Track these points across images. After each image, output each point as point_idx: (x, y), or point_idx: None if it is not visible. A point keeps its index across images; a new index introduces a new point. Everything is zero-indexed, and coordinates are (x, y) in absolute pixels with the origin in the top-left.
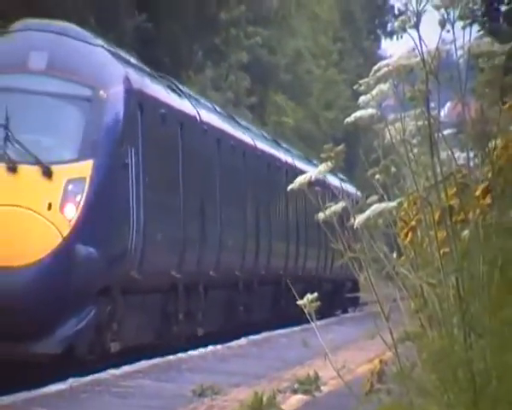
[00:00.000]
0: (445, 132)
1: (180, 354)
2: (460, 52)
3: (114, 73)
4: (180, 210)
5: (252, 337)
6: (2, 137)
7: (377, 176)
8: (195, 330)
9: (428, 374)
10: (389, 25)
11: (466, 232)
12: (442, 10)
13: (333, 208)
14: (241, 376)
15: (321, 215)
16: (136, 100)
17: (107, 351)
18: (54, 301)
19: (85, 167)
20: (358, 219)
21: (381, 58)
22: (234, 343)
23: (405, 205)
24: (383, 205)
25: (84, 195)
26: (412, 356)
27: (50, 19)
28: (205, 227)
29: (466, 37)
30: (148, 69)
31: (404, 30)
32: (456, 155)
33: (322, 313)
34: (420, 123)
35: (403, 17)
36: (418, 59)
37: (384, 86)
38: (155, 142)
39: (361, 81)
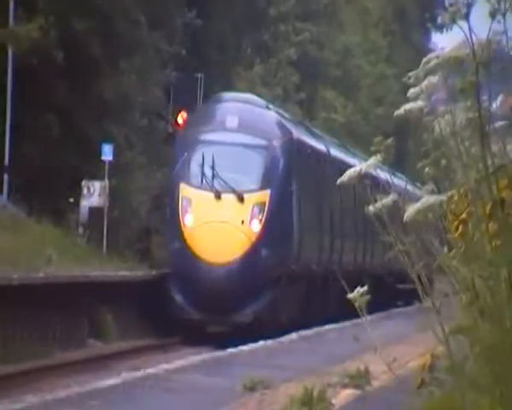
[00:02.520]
0: (497, 124)
1: (231, 350)
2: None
3: (281, 128)
4: (318, 223)
5: (303, 332)
6: (210, 175)
7: (427, 169)
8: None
9: (481, 368)
10: (439, 18)
11: None
12: (493, 1)
13: (382, 201)
14: (291, 370)
15: (370, 208)
16: (295, 146)
17: (279, 322)
18: (246, 286)
19: (265, 195)
20: (408, 212)
21: (432, 52)
22: (284, 338)
23: (456, 198)
24: (434, 198)
25: (265, 214)
26: (464, 351)
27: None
28: (332, 236)
29: None
30: (300, 120)
31: (454, 21)
32: (509, 147)
33: (375, 308)
34: (470, 115)
35: (453, 8)
36: (468, 50)
37: (434, 78)
38: (305, 174)
39: (410, 73)
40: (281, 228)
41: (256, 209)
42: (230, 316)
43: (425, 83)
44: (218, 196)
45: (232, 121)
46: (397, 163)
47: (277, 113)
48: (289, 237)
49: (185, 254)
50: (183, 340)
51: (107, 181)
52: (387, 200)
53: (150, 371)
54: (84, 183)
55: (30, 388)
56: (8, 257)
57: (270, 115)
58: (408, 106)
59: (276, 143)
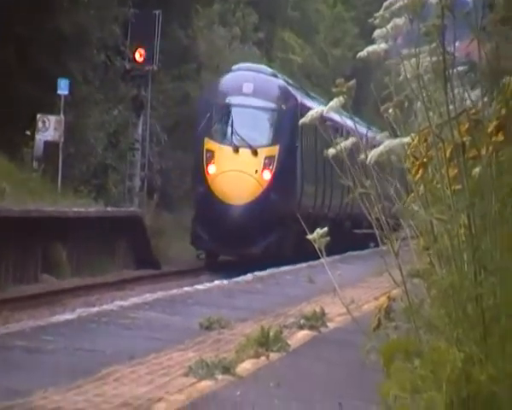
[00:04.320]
0: (460, 69)
1: (186, 288)
2: None
3: (288, 94)
4: (314, 174)
5: (257, 273)
6: (230, 132)
7: (390, 110)
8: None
9: (437, 310)
10: None
11: (478, 169)
12: None
13: (343, 144)
14: (247, 311)
15: (331, 151)
16: (299, 109)
17: (283, 255)
18: (257, 224)
19: (274, 149)
20: (371, 155)
21: None
22: (240, 279)
23: (416, 141)
24: (396, 141)
25: (274, 165)
26: (420, 294)
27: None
28: (324, 186)
29: None
30: (305, 89)
31: None
32: (471, 92)
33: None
34: (434, 59)
35: None
36: None
37: (399, 20)
38: (306, 132)
39: (376, 14)
40: (287, 177)
41: (267, 161)
42: (243, 248)
43: (390, 25)
44: (235, 150)
45: (248, 87)
46: (354, 106)
47: (285, 81)
48: (293, 185)
49: (208, 197)
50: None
51: (62, 116)
52: (348, 142)
53: (105, 307)
54: (39, 117)
55: None
56: None
57: (278, 83)
58: (371, 48)
59: (284, 106)
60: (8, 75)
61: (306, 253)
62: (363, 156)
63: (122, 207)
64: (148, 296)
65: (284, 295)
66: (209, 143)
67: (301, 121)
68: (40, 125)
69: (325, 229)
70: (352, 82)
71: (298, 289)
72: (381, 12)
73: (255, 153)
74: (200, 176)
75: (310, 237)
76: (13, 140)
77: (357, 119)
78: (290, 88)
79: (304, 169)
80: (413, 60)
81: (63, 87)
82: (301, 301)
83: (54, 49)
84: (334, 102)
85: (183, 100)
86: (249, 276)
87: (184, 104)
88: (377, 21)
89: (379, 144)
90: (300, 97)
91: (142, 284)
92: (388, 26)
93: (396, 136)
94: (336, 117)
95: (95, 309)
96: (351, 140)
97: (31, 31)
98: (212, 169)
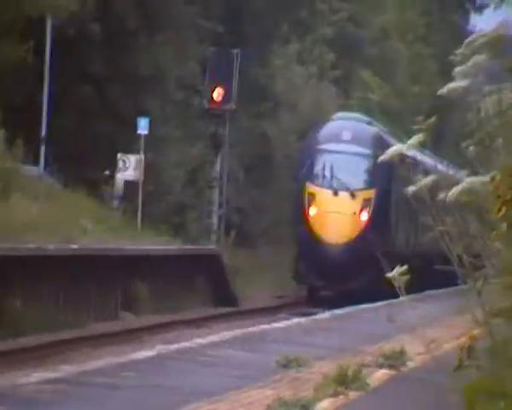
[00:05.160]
0: None
1: (263, 326)
2: None
3: (382, 140)
4: (406, 215)
5: (336, 312)
6: (330, 176)
7: (471, 148)
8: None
9: None
10: None
11: None
12: None
13: (423, 181)
14: (325, 349)
15: (411, 188)
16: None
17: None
18: (355, 261)
19: (371, 192)
20: (451, 192)
21: (470, 33)
22: (318, 317)
23: (499, 179)
24: (477, 179)
25: (371, 207)
26: (504, 334)
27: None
28: (415, 226)
29: None
30: (394, 132)
31: (502, 0)
32: None
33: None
34: None
35: None
36: None
37: (480, 57)
38: (399, 177)
39: (457, 51)
40: (383, 218)
41: (364, 203)
42: (343, 284)
43: (471, 62)
44: (335, 193)
45: (347, 135)
46: (434, 144)
47: (378, 128)
48: (388, 225)
49: (310, 236)
50: (232, 313)
51: (142, 155)
52: (427, 180)
53: (184, 344)
54: (119, 156)
55: (64, 357)
56: (44, 227)
57: (374, 131)
58: (453, 85)
59: (379, 152)
60: (88, 115)
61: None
62: (443, 194)
63: (200, 245)
64: (226, 334)
65: (363, 334)
66: (310, 187)
67: (380, 159)
68: (121, 164)
69: (404, 267)
70: (433, 119)
71: (377, 327)
72: (461, 49)
73: (353, 196)
74: (301, 217)
75: (389, 275)
76: (94, 179)
77: (437, 157)
78: (383, 134)
79: (398, 210)
80: (494, 96)
81: (143, 126)
82: (380, 339)
83: (132, 89)
84: (414, 140)
85: (261, 138)
86: (327, 314)
87: (262, 142)
88: (458, 58)
89: (459, 182)
90: (393, 143)
91: (220, 322)
92: (469, 64)
93: (476, 174)
94: (417, 155)
95: (174, 346)
96: (431, 178)
97: (109, 71)
98: (313, 211)
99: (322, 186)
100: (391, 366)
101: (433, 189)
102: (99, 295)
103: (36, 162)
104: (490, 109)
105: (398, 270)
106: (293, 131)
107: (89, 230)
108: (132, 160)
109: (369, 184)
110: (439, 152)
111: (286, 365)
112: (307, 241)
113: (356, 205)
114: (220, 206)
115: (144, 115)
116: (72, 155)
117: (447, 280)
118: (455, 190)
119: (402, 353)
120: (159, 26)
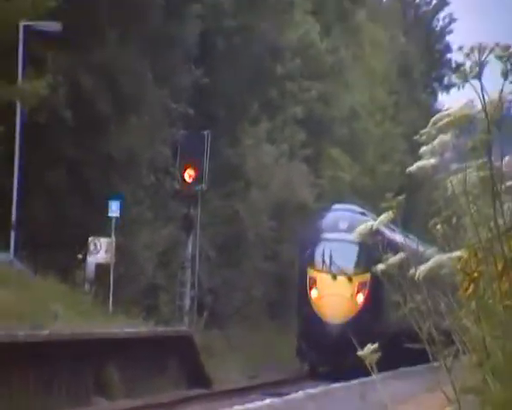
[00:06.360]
0: (508, 184)
1: (237, 407)
2: None
3: (376, 229)
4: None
5: (309, 391)
6: (329, 262)
7: (438, 226)
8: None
9: None
10: (446, 78)
11: None
12: (505, 60)
13: (392, 259)
14: None
15: (380, 266)
16: (385, 241)
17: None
18: (353, 338)
19: (366, 276)
20: (420, 270)
21: (437, 112)
22: (291, 397)
23: (466, 256)
24: (445, 256)
25: (367, 290)
26: None
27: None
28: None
29: None
30: (389, 225)
31: (466, 80)
32: None
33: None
34: (482, 174)
35: (464, 67)
36: (478, 109)
37: (446, 136)
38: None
39: (422, 131)
40: (377, 299)
41: (360, 286)
42: (341, 360)
43: (437, 141)
44: (334, 277)
45: (343, 224)
46: (403, 221)
47: (373, 218)
48: (382, 309)
49: (311, 316)
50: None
51: (113, 237)
52: (395, 258)
53: None
54: (90, 239)
55: None
56: (13, 314)
57: (367, 220)
58: (421, 163)
59: (373, 240)
60: (59, 199)
61: (391, 362)
62: (412, 271)
63: (172, 327)
64: None
65: None
66: (311, 271)
67: (356, 233)
68: (92, 247)
69: (376, 345)
70: (402, 197)
71: (349, 406)
72: (427, 129)
73: (350, 279)
74: (304, 298)
75: (361, 353)
76: (65, 263)
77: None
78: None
79: (390, 294)
80: (460, 175)
81: (114, 209)
82: None
83: (104, 172)
84: (384, 217)
85: (233, 217)
86: (300, 393)
87: (233, 222)
88: (423, 138)
89: (428, 259)
90: (385, 231)
91: (194, 404)
92: (435, 143)
93: (445, 251)
94: (387, 232)
95: None
96: (399, 255)
97: (81, 154)
98: (314, 293)
99: (321, 270)
100: None
101: (403, 266)
102: (71, 380)
103: (6, 248)
104: (456, 188)
105: (368, 348)
106: (264, 209)
107: (60, 315)
108: (104, 242)
109: (365, 269)
110: (408, 229)
111: None
112: (309, 320)
113: (353, 288)
114: (192, 286)
115: (116, 198)
116: (43, 240)
117: (421, 357)
118: (424, 268)
119: None
120: (130, 110)
